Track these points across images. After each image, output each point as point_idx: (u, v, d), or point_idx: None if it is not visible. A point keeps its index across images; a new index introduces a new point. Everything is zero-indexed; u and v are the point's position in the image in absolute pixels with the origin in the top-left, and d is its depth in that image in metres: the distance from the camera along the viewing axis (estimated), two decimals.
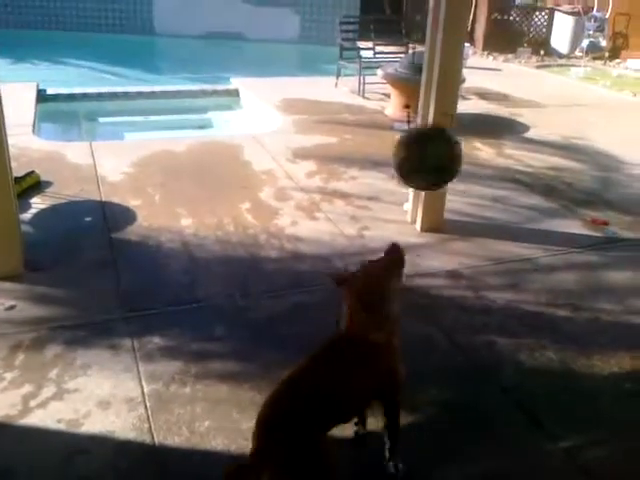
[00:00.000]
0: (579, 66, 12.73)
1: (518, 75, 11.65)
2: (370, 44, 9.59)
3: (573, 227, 4.97)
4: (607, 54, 13.71)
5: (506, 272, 4.20)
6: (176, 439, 2.65)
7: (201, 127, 8.51)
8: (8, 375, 2.99)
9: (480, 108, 8.70)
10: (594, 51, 13.76)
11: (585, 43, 13.74)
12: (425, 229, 4.71)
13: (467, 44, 10.58)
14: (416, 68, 6.78)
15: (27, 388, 2.91)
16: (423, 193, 4.62)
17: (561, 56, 13.95)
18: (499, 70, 12.06)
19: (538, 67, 12.68)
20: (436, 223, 4.73)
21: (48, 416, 2.75)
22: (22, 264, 3.87)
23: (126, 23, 15.24)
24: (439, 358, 3.29)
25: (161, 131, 8.00)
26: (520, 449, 2.74)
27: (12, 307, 3.52)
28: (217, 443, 2.65)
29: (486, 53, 13.74)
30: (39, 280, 3.81)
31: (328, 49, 10.89)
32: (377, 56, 9.43)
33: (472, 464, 2.64)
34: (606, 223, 5.02)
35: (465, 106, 8.00)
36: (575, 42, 13.98)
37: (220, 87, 9.64)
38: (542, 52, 13.88)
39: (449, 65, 4.34)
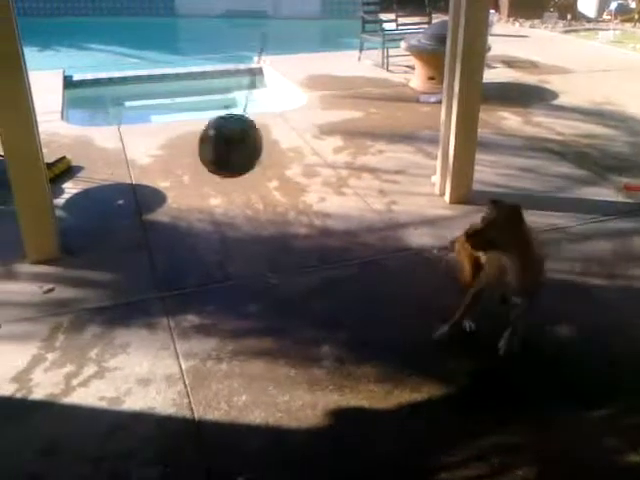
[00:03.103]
0: (608, 29, 12.40)
1: (545, 41, 11.40)
2: (392, 16, 9.48)
3: (606, 194, 4.90)
4: (637, 16, 13.31)
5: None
6: (215, 413, 2.72)
7: (226, 107, 8.50)
8: (50, 355, 3.08)
9: (507, 76, 8.55)
10: (623, 13, 13.38)
11: (613, 5, 13.35)
12: (454, 201, 4.68)
13: (492, 11, 10.37)
14: (440, 38, 6.68)
15: (69, 367, 2.99)
16: (451, 165, 4.59)
17: (589, 20, 13.60)
18: (525, 36, 11.82)
19: (565, 32, 12.39)
20: (465, 195, 4.69)
21: (90, 394, 2.83)
22: (58, 248, 3.95)
23: (147, 5, 15.26)
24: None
25: (187, 112, 8.03)
26: (555, 418, 2.74)
27: (51, 290, 3.61)
28: (255, 416, 2.70)
29: (512, 19, 13.47)
30: (75, 263, 3.89)
31: (350, 23, 10.79)
32: (400, 28, 9.32)
33: (506, 434, 2.65)
34: None
35: (491, 75, 7.88)
36: (603, 5, 13.60)
37: (243, 66, 9.62)
38: (569, 16, 13.55)
39: (474, 34, 4.27)
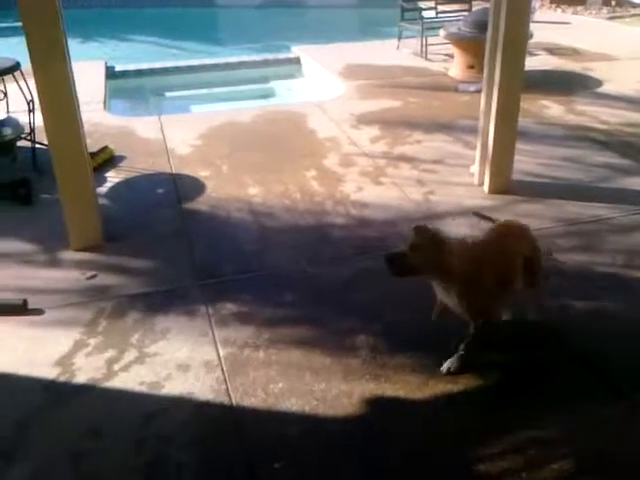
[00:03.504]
0: None
1: (588, 28, 11.13)
2: (432, 3, 9.36)
3: None
4: None
5: (579, 233, 4.09)
6: (252, 400, 2.75)
7: (265, 97, 8.57)
8: (92, 341, 3.15)
9: (549, 64, 8.39)
10: None
11: None
12: (493, 191, 4.63)
13: None
14: (480, 26, 6.59)
15: (110, 353, 3.06)
16: (490, 154, 4.53)
17: (634, 5, 13.21)
18: (568, 23, 11.55)
19: (610, 18, 12.06)
20: (504, 185, 4.63)
21: (131, 379, 2.89)
22: (101, 235, 4.04)
23: None
24: (508, 320, 3.26)
25: (226, 102, 8.09)
26: (595, 413, 2.70)
27: (93, 276, 3.69)
28: (291, 404, 2.73)
29: (554, 6, 13.17)
30: (117, 250, 3.97)
31: (388, 11, 10.70)
32: (439, 16, 9.20)
33: (544, 428, 2.62)
34: None
35: (533, 62, 7.72)
36: None
37: (282, 56, 9.65)
38: (613, 2, 13.19)
39: (515, 21, 4.19)
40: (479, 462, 2.47)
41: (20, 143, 5.25)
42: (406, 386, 2.81)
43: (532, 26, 5.87)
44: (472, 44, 7.33)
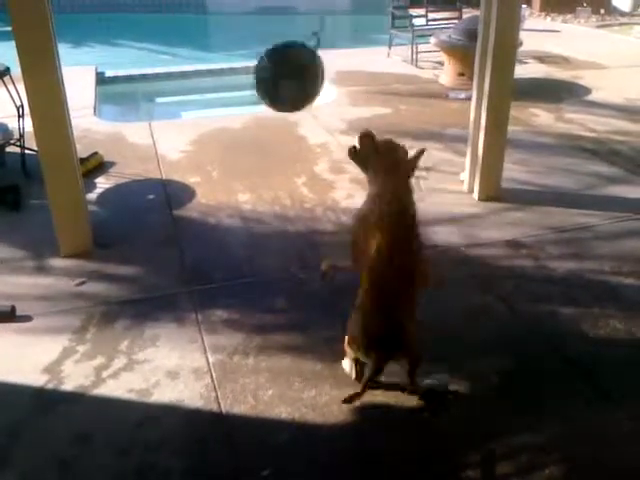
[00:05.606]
0: None
1: (578, 36, 11.22)
2: (422, 11, 9.41)
3: (639, 192, 4.81)
4: None
5: (568, 240, 4.12)
6: (242, 407, 2.74)
7: (256, 103, 8.55)
8: (81, 348, 3.13)
9: (538, 72, 8.45)
10: None
11: None
12: (482, 198, 4.65)
13: (524, 5, 10.23)
14: (471, 34, 6.63)
15: (99, 360, 3.05)
16: (480, 162, 4.56)
17: (623, 14, 13.34)
18: (557, 31, 11.64)
19: (599, 27, 12.17)
20: (494, 192, 4.66)
21: (119, 386, 2.88)
22: (90, 242, 4.02)
23: (179, 2, 15.37)
24: (500, 328, 3.27)
25: (217, 108, 8.10)
26: (585, 418, 2.71)
27: (82, 283, 3.67)
28: (281, 411, 2.72)
29: (544, 14, 13.29)
30: (107, 257, 3.95)
31: (379, 18, 10.75)
32: (430, 23, 9.25)
33: (534, 433, 2.63)
34: None
35: (522, 70, 7.76)
36: None
37: None
38: (602, 11, 13.31)
39: (505, 29, 4.22)
40: (470, 468, 2.47)
41: (9, 149, 5.23)
42: (397, 393, 2.80)
43: (522, 34, 5.91)
44: (462, 52, 7.38)
